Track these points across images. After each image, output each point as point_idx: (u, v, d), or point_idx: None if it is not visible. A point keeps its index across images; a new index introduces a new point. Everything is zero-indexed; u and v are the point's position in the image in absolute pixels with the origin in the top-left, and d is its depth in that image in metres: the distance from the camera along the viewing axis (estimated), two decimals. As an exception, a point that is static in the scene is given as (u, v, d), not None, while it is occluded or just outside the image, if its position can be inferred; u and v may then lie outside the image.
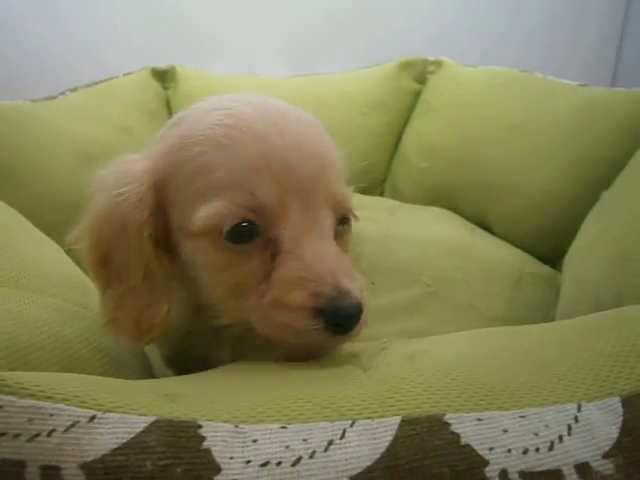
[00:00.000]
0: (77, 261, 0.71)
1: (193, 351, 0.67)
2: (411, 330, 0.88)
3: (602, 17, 1.77)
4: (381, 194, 1.50)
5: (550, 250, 1.12)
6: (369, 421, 0.37)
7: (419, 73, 1.48)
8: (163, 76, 1.45)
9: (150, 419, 0.36)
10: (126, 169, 0.54)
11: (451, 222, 1.24)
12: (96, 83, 1.24)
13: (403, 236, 1.11)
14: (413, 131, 1.45)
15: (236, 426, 0.36)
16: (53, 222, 0.87)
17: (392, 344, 0.52)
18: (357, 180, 1.47)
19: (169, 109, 1.43)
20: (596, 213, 0.96)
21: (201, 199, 0.49)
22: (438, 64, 1.46)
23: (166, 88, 1.45)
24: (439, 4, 1.70)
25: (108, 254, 0.53)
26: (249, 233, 0.49)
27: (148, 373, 0.67)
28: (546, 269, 1.08)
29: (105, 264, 0.53)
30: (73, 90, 1.17)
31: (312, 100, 1.43)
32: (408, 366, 0.44)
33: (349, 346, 0.53)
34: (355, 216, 0.59)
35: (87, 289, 0.67)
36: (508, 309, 0.94)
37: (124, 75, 1.33)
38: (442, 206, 1.33)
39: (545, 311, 0.95)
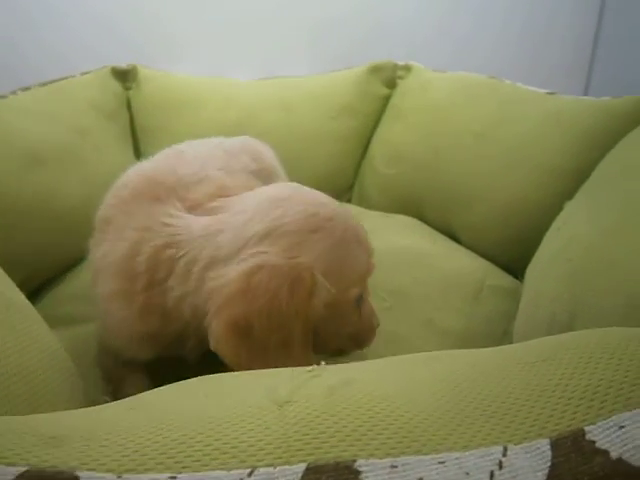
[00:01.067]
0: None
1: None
2: (364, 352, 0.84)
3: (575, 25, 1.75)
4: (349, 200, 1.46)
5: (514, 260, 1.10)
6: (270, 469, 0.34)
7: (389, 77, 1.45)
8: (124, 76, 1.40)
9: (20, 469, 0.32)
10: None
11: (415, 231, 1.21)
12: (51, 82, 1.19)
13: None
14: (381, 137, 1.42)
15: (119, 477, 0.33)
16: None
17: (323, 371, 0.48)
18: (324, 185, 1.45)
19: (130, 110, 1.39)
20: (557, 226, 0.93)
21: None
22: (407, 69, 1.44)
23: (128, 88, 1.41)
24: (409, 9, 1.67)
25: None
26: None
27: (76, 399, 0.63)
28: (508, 280, 1.05)
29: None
30: (25, 89, 1.12)
31: (279, 104, 1.40)
32: (326, 402, 0.41)
33: (273, 375, 0.49)
34: None
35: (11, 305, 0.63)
36: (467, 323, 0.91)
37: (82, 74, 1.28)
38: (409, 213, 1.30)
39: (505, 325, 0.93)
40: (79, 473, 0.32)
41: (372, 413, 0.38)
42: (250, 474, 0.34)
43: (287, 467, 0.34)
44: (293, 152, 1.35)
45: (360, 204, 1.41)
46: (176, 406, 0.43)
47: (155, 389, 0.50)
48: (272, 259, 0.60)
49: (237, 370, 0.55)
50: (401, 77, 1.44)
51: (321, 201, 0.68)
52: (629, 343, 0.43)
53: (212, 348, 0.60)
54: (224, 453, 0.35)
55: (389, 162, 1.34)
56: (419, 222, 1.27)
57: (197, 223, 0.67)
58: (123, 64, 1.40)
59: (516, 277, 1.09)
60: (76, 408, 0.58)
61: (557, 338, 0.51)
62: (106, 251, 0.71)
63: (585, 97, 1.11)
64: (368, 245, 0.70)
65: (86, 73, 1.30)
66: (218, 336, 0.59)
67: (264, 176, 0.96)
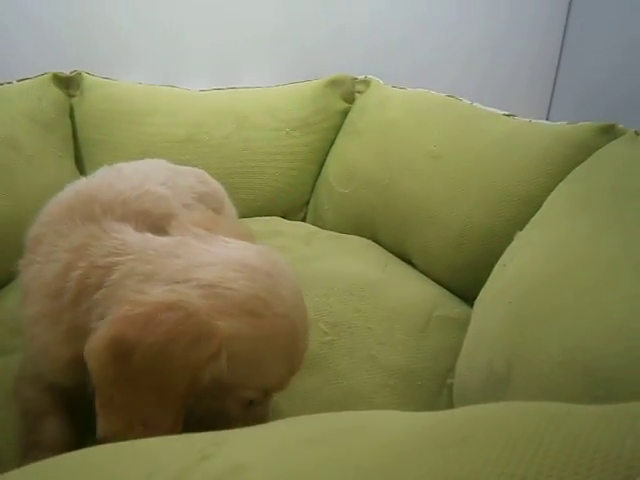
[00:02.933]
0: None
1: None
2: (302, 391, 0.80)
3: (540, 47, 1.73)
4: (304, 218, 1.42)
5: (466, 287, 1.06)
6: None
7: (347, 92, 1.40)
8: (67, 83, 1.33)
9: None
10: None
11: (366, 255, 1.16)
12: (-20, 88, 1.12)
13: (312, 273, 1.03)
14: (336, 153, 1.37)
15: None
16: None
17: (214, 453, 0.43)
18: (278, 201, 1.40)
19: (72, 119, 1.32)
20: (503, 262, 0.90)
21: (253, 378, 0.61)
22: (366, 83, 1.39)
23: (71, 96, 1.33)
24: (372, 20, 1.61)
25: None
26: None
27: None
28: (459, 311, 1.01)
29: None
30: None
31: (233, 116, 1.35)
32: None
33: (160, 450, 0.44)
34: None
35: None
36: (411, 359, 0.87)
37: (18, 81, 1.21)
38: (363, 234, 1.26)
39: (451, 361, 0.89)
40: None
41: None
42: None
43: None
44: (246, 167, 1.31)
45: (315, 222, 1.36)
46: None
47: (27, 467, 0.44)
48: (197, 308, 0.55)
49: (99, 391, 0.54)
50: (359, 91, 1.40)
51: (281, 293, 0.62)
52: (549, 425, 0.40)
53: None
54: None
55: (343, 180, 1.30)
56: (372, 244, 1.23)
57: (142, 239, 0.65)
58: (66, 71, 1.32)
59: (469, 304, 1.05)
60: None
61: (473, 414, 0.47)
62: (36, 272, 0.68)
63: (541, 121, 1.08)
64: (296, 364, 0.64)
65: (23, 80, 1.22)
66: (95, 345, 0.54)
67: (209, 201, 0.93)
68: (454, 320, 0.98)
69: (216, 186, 1.01)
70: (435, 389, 0.86)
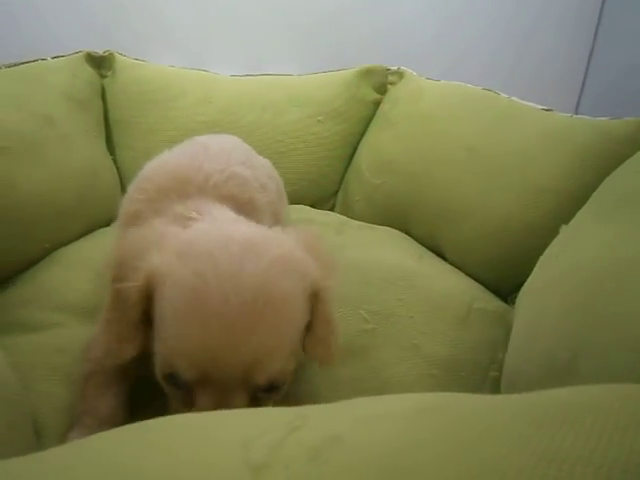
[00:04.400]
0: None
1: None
2: (349, 376, 0.79)
3: (571, 41, 1.72)
4: (332, 208, 1.40)
5: (502, 282, 1.06)
6: None
7: (379, 83, 1.39)
8: (100, 63, 1.31)
9: None
10: (146, 244, 0.61)
11: (400, 246, 1.15)
12: (18, 64, 1.10)
13: (347, 261, 1.01)
14: (369, 144, 1.36)
15: None
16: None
17: (306, 421, 0.42)
18: (307, 191, 1.39)
19: (104, 100, 1.30)
20: (555, 251, 0.88)
21: (159, 338, 0.58)
22: (400, 75, 1.38)
23: (103, 76, 1.32)
24: (406, 13, 1.61)
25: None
26: (176, 384, 0.57)
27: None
28: (496, 304, 1.00)
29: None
30: (-13, 71, 1.04)
31: (263, 102, 1.33)
32: (309, 469, 0.35)
33: (250, 424, 0.43)
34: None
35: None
36: (453, 350, 0.86)
37: (53, 58, 1.19)
38: (394, 226, 1.25)
39: (491, 353, 0.87)
40: None
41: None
42: None
43: None
44: (275, 155, 1.29)
45: (344, 212, 1.35)
46: (139, 464, 0.36)
47: (110, 434, 0.43)
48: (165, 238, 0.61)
49: None
50: (392, 83, 1.38)
51: (230, 270, 0.56)
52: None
53: None
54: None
55: (376, 171, 1.28)
56: (405, 236, 1.21)
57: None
58: (99, 50, 1.31)
59: (502, 299, 1.04)
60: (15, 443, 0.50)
61: (571, 394, 0.46)
62: None
63: (582, 116, 1.07)
64: (217, 351, 0.55)
65: (58, 57, 1.21)
66: None
67: (274, 178, 1.00)
68: (493, 313, 0.96)
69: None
70: (478, 381, 0.85)
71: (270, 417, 0.43)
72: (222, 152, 0.85)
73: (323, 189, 1.38)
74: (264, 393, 0.58)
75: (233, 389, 0.55)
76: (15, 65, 1.10)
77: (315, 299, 0.63)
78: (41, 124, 1.01)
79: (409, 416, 0.44)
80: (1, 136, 0.91)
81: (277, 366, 0.56)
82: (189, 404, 0.56)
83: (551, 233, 0.93)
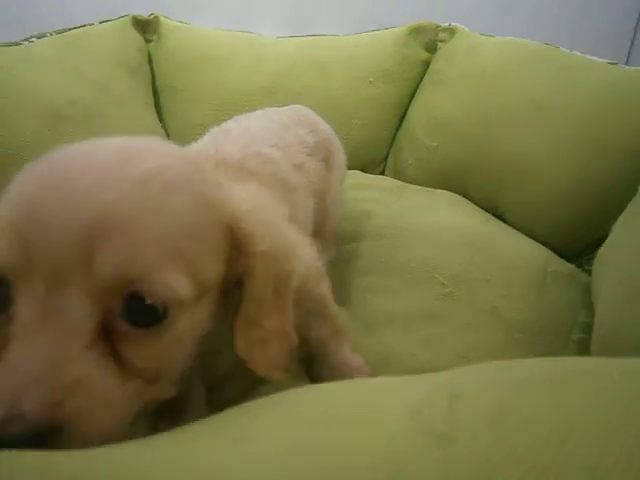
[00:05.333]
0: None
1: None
2: (430, 338, 0.77)
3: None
4: (382, 172, 1.37)
5: (569, 244, 1.03)
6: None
7: (429, 41, 1.33)
8: (145, 27, 1.28)
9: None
10: None
11: (464, 208, 1.12)
12: (68, 30, 1.07)
13: (413, 225, 0.99)
14: (422, 105, 1.31)
15: None
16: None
17: (462, 386, 0.40)
18: (357, 155, 1.36)
19: (151, 66, 1.27)
20: (637, 209, 0.85)
21: None
22: (451, 31, 1.32)
23: (148, 41, 1.28)
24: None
25: None
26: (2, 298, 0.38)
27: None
28: (569, 267, 0.97)
29: None
30: (40, 37, 1.00)
31: (312, 65, 1.29)
32: (494, 438, 0.33)
33: (401, 388, 0.41)
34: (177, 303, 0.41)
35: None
36: (534, 314, 0.84)
37: (100, 23, 1.16)
38: (450, 189, 1.21)
39: (573, 317, 0.85)
40: None
41: (561, 452, 0.30)
42: None
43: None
44: (327, 117, 1.25)
45: (395, 176, 1.31)
46: (318, 438, 0.34)
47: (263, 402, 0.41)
48: None
49: None
50: (443, 40, 1.33)
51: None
52: None
53: None
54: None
55: (431, 133, 1.24)
56: (465, 199, 1.18)
57: None
58: (144, 13, 1.27)
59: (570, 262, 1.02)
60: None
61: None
62: None
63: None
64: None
65: (105, 22, 1.17)
66: None
67: (319, 151, 0.89)
68: (567, 276, 0.94)
69: (326, 133, 0.96)
70: (561, 344, 0.82)
71: (416, 391, 0.41)
72: (245, 134, 0.76)
73: (373, 153, 1.35)
74: (129, 321, 0.39)
75: (66, 281, 0.37)
76: (64, 31, 1.06)
77: (244, 262, 0.46)
78: (98, 91, 0.99)
79: (567, 382, 0.42)
80: (65, 104, 0.89)
81: (135, 254, 0.37)
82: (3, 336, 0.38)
83: (626, 192, 0.90)
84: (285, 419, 0.38)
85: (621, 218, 0.88)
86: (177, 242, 0.40)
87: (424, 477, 0.30)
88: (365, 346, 0.74)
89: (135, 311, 0.39)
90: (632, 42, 1.70)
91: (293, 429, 0.36)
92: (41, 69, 0.93)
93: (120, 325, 0.39)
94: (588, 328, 0.82)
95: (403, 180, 1.28)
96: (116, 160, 0.40)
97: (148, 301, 0.39)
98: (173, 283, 0.39)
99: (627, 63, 1.72)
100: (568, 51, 1.14)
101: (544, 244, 1.04)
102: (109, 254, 0.37)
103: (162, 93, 1.27)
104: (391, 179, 1.28)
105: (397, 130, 1.36)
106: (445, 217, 1.04)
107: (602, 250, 0.89)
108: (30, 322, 0.36)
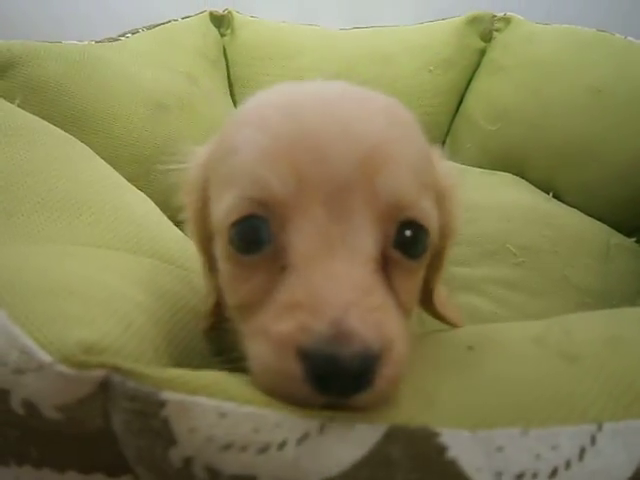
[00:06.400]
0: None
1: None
2: (510, 303, 0.84)
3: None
4: (440, 156, 1.43)
5: (625, 222, 1.08)
6: (614, 423, 0.33)
7: (485, 30, 1.39)
8: (220, 22, 1.36)
9: (383, 427, 0.31)
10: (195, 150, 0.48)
11: (524, 188, 1.19)
12: (155, 26, 1.16)
13: (480, 201, 1.06)
14: (479, 91, 1.38)
15: (472, 432, 0.32)
16: (134, 175, 0.81)
17: (568, 324, 0.47)
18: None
19: (226, 59, 1.35)
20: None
21: (223, 188, 0.40)
22: (506, 21, 1.38)
23: (222, 35, 1.37)
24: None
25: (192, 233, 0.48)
26: (257, 238, 0.37)
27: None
28: (629, 241, 1.04)
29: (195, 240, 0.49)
30: (134, 32, 1.09)
31: (377, 55, 1.36)
32: (617, 357, 0.40)
33: (519, 328, 0.48)
34: (450, 243, 0.47)
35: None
36: (602, 282, 0.90)
37: (182, 19, 1.25)
38: (509, 172, 1.27)
39: (636, 285, 0.92)
40: (438, 429, 0.32)
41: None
42: (599, 428, 0.33)
43: (631, 421, 0.33)
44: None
45: (453, 159, 1.36)
46: (460, 365, 0.42)
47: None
48: None
49: None
50: (498, 30, 1.39)
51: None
52: None
53: None
54: (559, 407, 0.34)
55: (490, 118, 1.31)
56: (524, 181, 1.24)
57: None
58: (219, 9, 1.35)
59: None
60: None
61: None
62: None
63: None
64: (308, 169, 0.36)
65: (186, 17, 1.26)
66: None
67: None
68: (630, 249, 1.00)
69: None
70: (628, 309, 0.89)
71: (532, 327, 0.48)
72: None
73: (432, 137, 1.40)
74: (399, 250, 0.38)
75: (352, 207, 0.36)
76: (153, 27, 1.15)
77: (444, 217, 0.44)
78: (188, 82, 1.07)
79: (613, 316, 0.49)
80: (162, 95, 0.97)
81: (410, 182, 0.38)
82: (272, 276, 0.37)
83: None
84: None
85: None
86: (426, 176, 0.41)
87: (574, 378, 0.37)
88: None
89: (407, 240, 0.38)
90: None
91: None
92: (138, 61, 1.02)
93: (394, 254, 0.38)
94: (652, 295, 0.89)
95: (462, 163, 1.34)
96: (362, 96, 0.42)
97: (417, 230, 0.39)
98: (433, 214, 0.40)
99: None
100: (621, 36, 1.19)
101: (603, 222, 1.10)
102: (389, 180, 0.36)
103: (235, 84, 1.36)
104: (452, 162, 1.34)
105: (454, 116, 1.42)
106: (508, 195, 1.11)
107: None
108: (316, 247, 0.35)
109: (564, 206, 1.13)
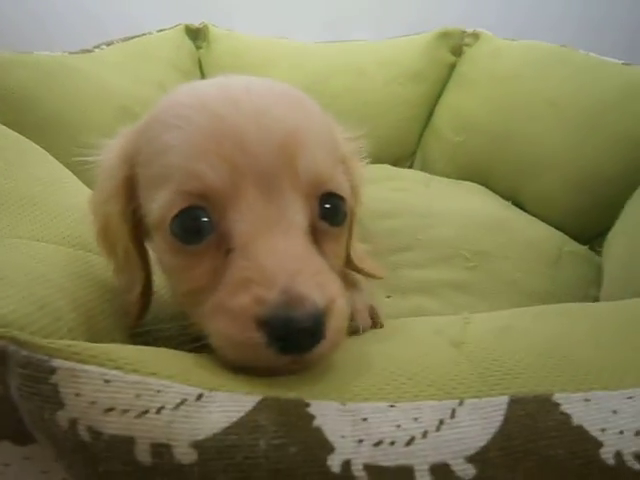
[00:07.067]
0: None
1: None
2: (457, 305, 0.87)
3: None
4: (410, 167, 1.48)
5: (584, 229, 1.11)
6: (476, 400, 0.37)
7: (455, 45, 1.44)
8: (196, 35, 1.41)
9: (257, 397, 0.35)
10: (113, 143, 0.51)
11: (486, 197, 1.23)
12: (130, 38, 1.20)
13: (441, 209, 1.10)
14: (448, 104, 1.42)
15: (343, 404, 0.36)
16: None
17: (472, 319, 0.51)
18: (388, 150, 1.46)
19: (201, 71, 1.40)
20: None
21: (155, 187, 0.43)
22: (475, 36, 1.43)
23: (198, 48, 1.41)
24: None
25: (102, 229, 0.51)
26: (198, 228, 0.42)
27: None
28: (583, 248, 1.07)
29: (103, 238, 0.51)
30: (109, 44, 1.14)
31: (349, 68, 1.42)
32: (499, 343, 0.44)
33: (430, 321, 0.52)
34: (358, 204, 0.53)
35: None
36: (550, 286, 0.93)
37: (158, 32, 1.29)
38: (474, 181, 1.32)
39: (585, 290, 0.95)
40: (308, 400, 0.35)
41: (547, 353, 0.41)
42: (460, 404, 0.36)
43: (491, 399, 0.37)
44: (361, 117, 1.35)
45: (423, 170, 1.42)
46: (361, 347, 0.46)
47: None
48: None
49: None
50: (468, 45, 1.44)
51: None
52: None
53: None
54: (429, 385, 0.38)
55: (456, 129, 1.35)
56: (487, 190, 1.28)
57: None
58: (195, 22, 1.40)
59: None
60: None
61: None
62: None
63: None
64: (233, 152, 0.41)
65: (162, 31, 1.30)
66: None
67: None
68: (582, 256, 1.03)
69: None
70: (573, 313, 0.92)
71: (438, 321, 0.52)
72: None
73: (403, 148, 1.45)
74: (324, 220, 0.45)
75: (281, 189, 0.41)
76: (127, 39, 1.20)
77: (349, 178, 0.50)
78: (157, 91, 1.11)
79: (549, 314, 0.53)
80: (132, 103, 1.02)
81: (324, 159, 0.44)
82: (217, 261, 0.41)
83: (635, 181, 0.99)
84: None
85: (628, 203, 0.98)
86: (335, 150, 0.47)
87: (453, 361, 0.41)
88: (398, 305, 0.85)
89: (329, 211, 0.45)
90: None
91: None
92: (110, 71, 1.06)
93: (321, 225, 0.44)
94: (598, 300, 0.92)
95: (431, 173, 1.38)
96: (267, 86, 0.47)
97: (336, 200, 0.45)
98: (346, 183, 0.47)
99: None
100: (583, 52, 1.23)
101: (560, 230, 1.13)
102: (308, 161, 0.42)
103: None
104: (420, 172, 1.39)
105: (425, 128, 1.46)
106: (469, 203, 1.14)
107: (610, 233, 0.99)
108: (256, 227, 0.40)
109: (523, 214, 1.17)
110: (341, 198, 0.45)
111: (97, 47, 1.11)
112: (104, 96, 0.98)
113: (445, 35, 1.42)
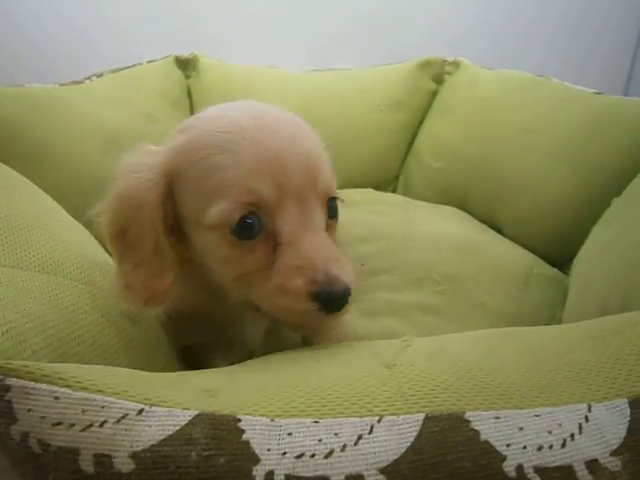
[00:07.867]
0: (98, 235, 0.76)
1: (217, 335, 0.72)
2: (425, 327, 0.90)
3: (619, 27, 1.79)
4: (393, 191, 1.52)
5: (558, 253, 1.15)
6: (394, 417, 0.40)
7: (437, 73, 1.49)
8: (186, 65, 1.47)
9: (193, 413, 0.39)
10: (145, 157, 0.62)
11: (463, 221, 1.26)
12: (121, 69, 1.26)
13: (417, 232, 1.13)
14: (428, 131, 1.47)
15: (272, 420, 0.39)
16: (82, 206, 0.89)
17: (413, 342, 0.55)
18: (371, 175, 1.50)
19: (190, 99, 1.45)
20: (607, 220, 0.98)
21: (211, 197, 0.56)
22: (456, 65, 1.48)
23: (188, 77, 1.47)
24: (461, 7, 1.71)
25: (124, 229, 0.60)
26: (252, 228, 0.56)
27: (173, 365, 0.70)
28: (554, 271, 1.10)
29: (121, 237, 0.60)
30: (99, 75, 1.19)
31: (331, 96, 1.46)
32: (428, 365, 0.47)
33: (372, 344, 0.56)
34: (341, 201, 0.66)
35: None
36: (517, 308, 0.97)
37: (148, 62, 1.35)
38: (453, 205, 1.35)
39: (552, 312, 0.98)
40: (240, 416, 0.39)
41: (471, 375, 0.45)
42: (379, 420, 0.40)
43: (409, 416, 0.40)
44: (343, 143, 1.41)
45: (406, 194, 1.46)
46: (299, 367, 0.50)
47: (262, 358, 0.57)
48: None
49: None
50: (449, 73, 1.48)
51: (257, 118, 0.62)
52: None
53: None
54: (354, 404, 0.42)
55: (436, 156, 1.39)
56: (465, 214, 1.31)
57: None
58: (185, 53, 1.46)
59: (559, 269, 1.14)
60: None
61: (617, 317, 0.57)
62: None
63: (633, 98, 1.15)
64: (280, 170, 0.57)
65: (152, 61, 1.36)
66: None
67: None
68: (551, 278, 1.06)
69: None
70: (539, 334, 0.95)
71: (380, 344, 0.56)
72: None
73: (385, 173, 1.50)
74: (330, 220, 0.62)
75: (309, 200, 0.58)
76: (117, 70, 1.25)
77: None
78: (146, 122, 1.16)
79: (493, 335, 0.56)
80: (118, 133, 1.06)
81: (329, 173, 0.61)
82: (267, 252, 0.57)
83: (604, 206, 1.02)
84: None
85: (593, 229, 1.01)
86: (328, 162, 0.63)
87: (381, 381, 0.45)
88: (367, 327, 0.89)
89: (330, 210, 0.62)
90: (630, 74, 1.82)
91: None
92: (100, 102, 1.11)
93: (329, 222, 0.62)
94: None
95: (412, 197, 1.43)
96: (286, 116, 0.63)
97: (334, 200, 0.63)
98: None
99: (626, 94, 1.84)
100: (558, 81, 1.28)
101: (535, 253, 1.16)
102: (323, 177, 0.59)
103: (199, 121, 1.45)
104: (400, 196, 1.43)
105: (407, 153, 1.51)
106: (445, 227, 1.18)
107: (576, 257, 1.03)
108: (296, 228, 0.56)
109: (497, 237, 1.21)
110: (336, 198, 0.63)
111: (87, 78, 1.16)
112: (90, 128, 1.03)
113: (426, 64, 1.48)
